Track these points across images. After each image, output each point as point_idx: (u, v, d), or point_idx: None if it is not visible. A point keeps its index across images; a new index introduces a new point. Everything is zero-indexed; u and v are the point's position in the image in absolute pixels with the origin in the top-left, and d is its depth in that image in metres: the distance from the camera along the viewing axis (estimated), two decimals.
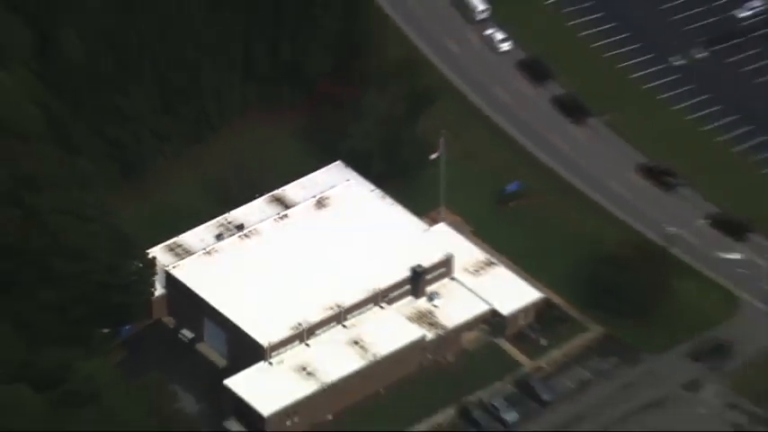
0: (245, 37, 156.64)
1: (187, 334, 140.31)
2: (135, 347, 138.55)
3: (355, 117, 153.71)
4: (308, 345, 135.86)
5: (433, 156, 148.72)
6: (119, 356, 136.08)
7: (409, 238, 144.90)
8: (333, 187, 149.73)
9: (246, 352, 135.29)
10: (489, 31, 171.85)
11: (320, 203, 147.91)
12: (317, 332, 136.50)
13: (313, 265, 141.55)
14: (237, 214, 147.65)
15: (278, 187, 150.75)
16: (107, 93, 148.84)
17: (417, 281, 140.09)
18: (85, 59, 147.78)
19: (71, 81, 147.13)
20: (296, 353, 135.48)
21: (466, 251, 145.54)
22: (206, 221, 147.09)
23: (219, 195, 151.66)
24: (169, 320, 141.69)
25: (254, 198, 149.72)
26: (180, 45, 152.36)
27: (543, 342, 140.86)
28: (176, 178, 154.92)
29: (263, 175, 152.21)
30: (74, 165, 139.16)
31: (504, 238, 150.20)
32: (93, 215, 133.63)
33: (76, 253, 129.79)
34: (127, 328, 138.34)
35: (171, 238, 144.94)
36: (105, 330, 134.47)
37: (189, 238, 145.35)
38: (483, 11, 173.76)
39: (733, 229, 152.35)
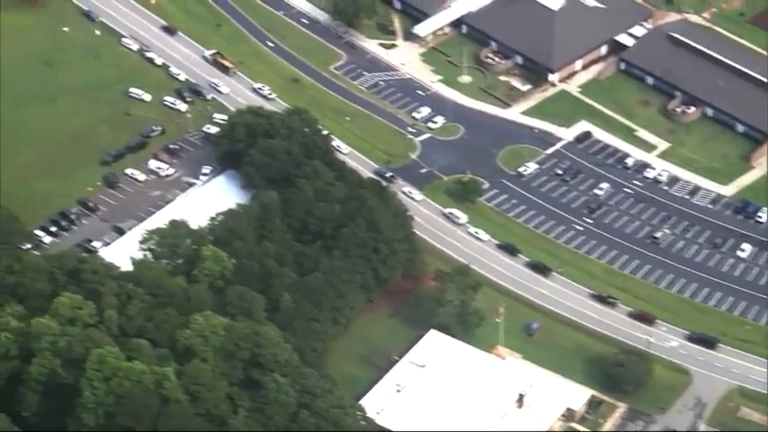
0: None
1: None
2: None
3: (438, 302, 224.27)
4: None
5: (498, 319, 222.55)
6: None
7: (500, 370, 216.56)
8: (439, 346, 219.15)
9: None
10: (471, 229, 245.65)
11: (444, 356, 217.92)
12: None
13: (460, 396, 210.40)
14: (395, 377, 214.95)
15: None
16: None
17: (521, 400, 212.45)
18: None
19: None
20: None
21: (531, 371, 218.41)
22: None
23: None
24: None
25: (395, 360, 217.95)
26: None
27: (599, 420, 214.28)
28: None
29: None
30: None
31: (541, 358, 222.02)
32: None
33: None
34: None
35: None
36: None
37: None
38: (463, 220, 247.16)
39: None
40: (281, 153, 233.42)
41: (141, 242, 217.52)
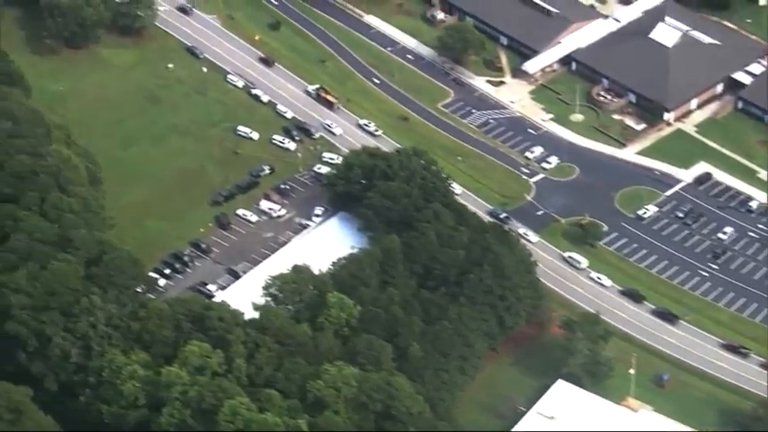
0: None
1: None
2: None
3: (566, 351, 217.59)
4: None
5: (631, 370, 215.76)
6: None
7: (634, 423, 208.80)
8: (569, 397, 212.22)
9: None
10: (592, 274, 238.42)
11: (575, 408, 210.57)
12: None
13: None
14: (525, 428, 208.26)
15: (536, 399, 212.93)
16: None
17: None
18: None
19: None
20: None
21: (666, 424, 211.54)
22: None
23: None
24: None
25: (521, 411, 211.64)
26: None
27: None
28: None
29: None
30: None
31: (672, 411, 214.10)
32: None
33: None
34: None
35: None
36: None
37: None
38: (584, 265, 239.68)
39: None
40: (401, 196, 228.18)
41: (264, 288, 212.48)
